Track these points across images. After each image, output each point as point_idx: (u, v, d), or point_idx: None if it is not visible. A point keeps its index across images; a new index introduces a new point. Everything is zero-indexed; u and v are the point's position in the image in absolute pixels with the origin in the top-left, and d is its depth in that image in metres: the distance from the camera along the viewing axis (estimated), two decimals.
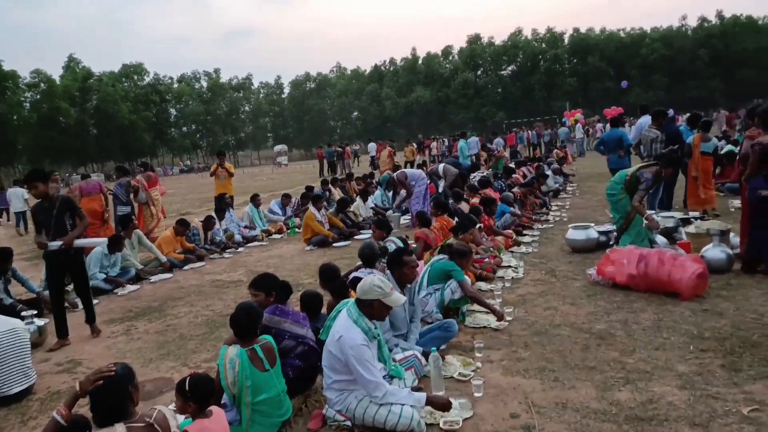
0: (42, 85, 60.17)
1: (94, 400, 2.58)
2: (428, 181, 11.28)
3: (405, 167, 19.05)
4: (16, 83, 56.44)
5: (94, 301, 7.26)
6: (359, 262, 5.63)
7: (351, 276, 5.22)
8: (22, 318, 5.58)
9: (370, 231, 8.37)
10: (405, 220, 11.54)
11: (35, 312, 6.11)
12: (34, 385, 4.56)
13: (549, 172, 14.13)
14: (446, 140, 30.29)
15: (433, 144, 30.19)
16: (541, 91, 68.66)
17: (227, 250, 10.13)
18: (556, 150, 23.18)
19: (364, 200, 12.11)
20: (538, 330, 4.84)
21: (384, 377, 3.54)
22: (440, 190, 13.20)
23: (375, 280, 3.42)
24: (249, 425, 3.25)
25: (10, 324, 4.53)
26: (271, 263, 8.86)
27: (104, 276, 7.89)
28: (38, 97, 60.08)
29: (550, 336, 4.67)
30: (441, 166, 13.49)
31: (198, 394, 3.07)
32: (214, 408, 3.14)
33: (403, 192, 11.61)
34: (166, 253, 9.05)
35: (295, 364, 3.87)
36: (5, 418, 4.13)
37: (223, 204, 11.42)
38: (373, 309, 3.42)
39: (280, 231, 11.75)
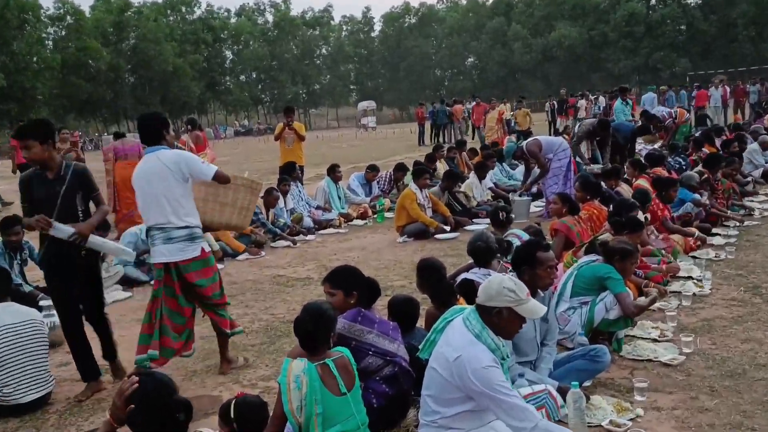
0: (68, 18, 64.74)
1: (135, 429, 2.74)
2: (571, 154, 11.04)
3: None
4: (36, 15, 59.82)
5: (126, 294, 7.83)
6: (470, 260, 5.61)
7: (459, 278, 5.20)
8: (40, 309, 6.05)
9: (487, 220, 8.31)
10: (537, 207, 11.38)
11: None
12: (52, 393, 4.95)
13: (754, 146, 13.38)
14: (601, 98, 29.34)
15: (581, 103, 29.38)
16: (747, 29, 64.60)
17: (294, 237, 10.45)
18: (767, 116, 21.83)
19: (481, 178, 12.04)
20: (731, 370, 4.64)
21: None
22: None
23: (506, 281, 3.37)
24: None
25: (26, 314, 4.94)
26: (351, 257, 9.04)
27: (138, 262, 8.39)
28: (63, 33, 64.82)
29: (750, 380, 4.47)
30: (583, 124, 13.37)
31: (246, 421, 3.19)
32: None
33: (536, 168, 11.45)
34: (218, 238, 9.47)
35: (380, 389, 3.91)
36: (17, 431, 4.53)
37: (292, 174, 11.76)
38: (501, 320, 3.38)
39: (364, 215, 11.98)
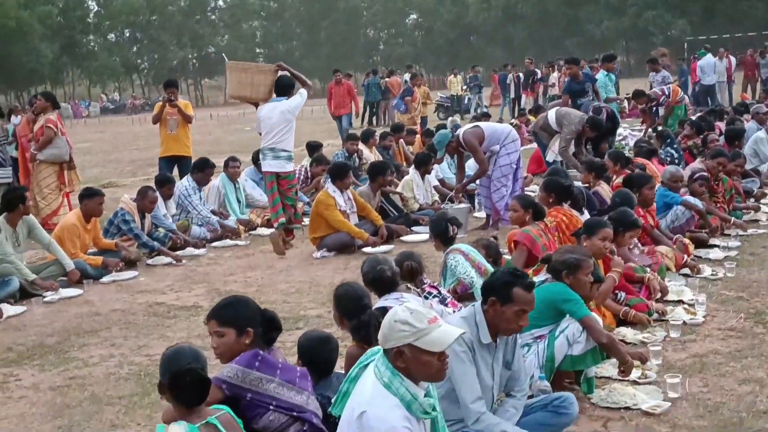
0: None
1: None
2: (519, 148, 11.16)
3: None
4: None
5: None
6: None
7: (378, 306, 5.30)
8: None
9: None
10: (480, 213, 11.47)
11: None
12: None
13: (761, 134, 13.80)
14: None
15: (553, 76, 29.97)
16: None
17: (176, 252, 10.41)
18: None
19: (424, 174, 12.13)
20: (725, 419, 4.81)
21: None
22: (550, 158, 13.11)
23: (397, 313, 3.45)
24: None
25: None
26: (252, 279, 9.04)
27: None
28: None
29: None
30: (551, 111, 13.44)
31: None
32: None
33: (471, 163, 11.50)
34: (72, 253, 9.34)
35: None
36: None
37: (186, 167, 11.87)
38: (407, 362, 3.46)
39: (270, 222, 11.96)
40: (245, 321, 4.11)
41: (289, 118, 10.21)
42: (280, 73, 10.44)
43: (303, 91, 10.32)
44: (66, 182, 12.27)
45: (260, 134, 10.51)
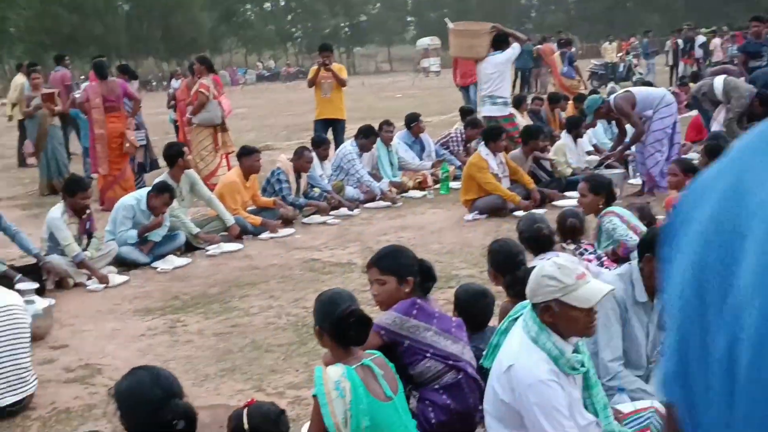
0: None
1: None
2: (677, 112, 10.77)
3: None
4: None
5: (123, 278, 8.12)
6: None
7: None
8: (20, 294, 6.33)
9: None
10: (635, 180, 11.21)
11: (36, 286, 6.94)
12: (33, 396, 5.22)
13: None
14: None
15: (714, 42, 28.75)
16: None
17: (332, 212, 10.66)
18: None
19: (576, 137, 11.97)
20: None
21: None
22: (715, 127, 12.57)
23: (546, 268, 3.43)
24: None
25: (4, 298, 5.21)
26: (404, 239, 9.16)
27: (137, 240, 8.70)
28: None
29: None
30: (718, 80, 12.81)
31: None
32: None
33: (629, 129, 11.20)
34: (232, 210, 9.72)
35: (440, 401, 4.03)
36: None
37: (340, 130, 12.10)
38: (554, 317, 3.44)
39: (422, 185, 12.09)
40: (405, 270, 4.20)
41: (502, 70, 11.95)
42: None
43: (516, 45, 12.09)
44: (219, 144, 12.71)
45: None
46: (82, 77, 27.88)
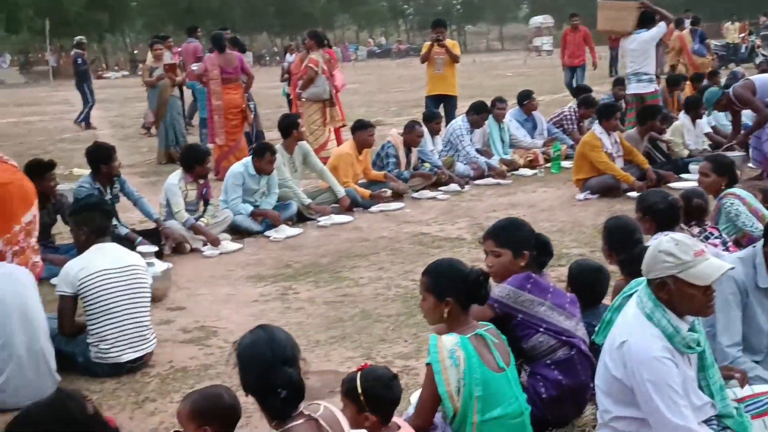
0: None
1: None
2: None
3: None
4: None
5: (236, 246, 8.33)
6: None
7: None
8: (142, 256, 6.57)
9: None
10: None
11: (155, 249, 7.18)
12: (152, 354, 5.43)
13: None
14: None
15: None
16: None
17: (439, 188, 10.68)
18: None
19: (695, 118, 11.67)
20: None
21: (710, 423, 3.50)
22: None
23: (663, 243, 3.36)
24: None
25: (129, 258, 5.43)
26: (514, 215, 9.07)
27: (251, 209, 8.89)
28: None
29: None
30: None
31: (376, 398, 3.38)
32: (399, 421, 3.45)
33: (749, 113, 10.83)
34: (344, 182, 9.83)
35: (551, 376, 4.02)
36: (114, 393, 5.01)
37: (451, 106, 12.13)
38: (670, 295, 3.37)
39: (533, 163, 12.02)
40: (522, 243, 4.17)
41: (646, 48, 11.94)
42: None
43: (662, 24, 11.97)
44: (328, 118, 12.83)
45: None
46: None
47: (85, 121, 21.37)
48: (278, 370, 2.90)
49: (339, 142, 12.59)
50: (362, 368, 3.58)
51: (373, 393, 3.41)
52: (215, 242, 8.18)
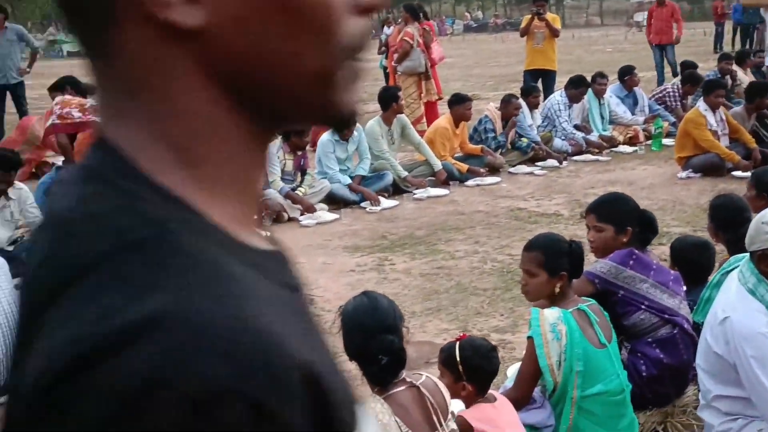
0: None
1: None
2: None
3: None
4: None
5: (333, 216, 8.43)
6: None
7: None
8: None
9: None
10: None
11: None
12: None
13: None
14: None
15: None
16: None
17: (536, 163, 10.61)
18: None
19: None
20: None
21: None
22: None
23: (766, 214, 3.28)
24: None
25: None
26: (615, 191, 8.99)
27: (348, 180, 9.00)
28: None
29: None
30: None
31: (474, 368, 3.39)
32: (496, 393, 3.46)
33: None
34: (441, 155, 9.83)
35: (653, 355, 3.97)
36: None
37: (550, 81, 12.02)
38: None
39: (633, 140, 11.82)
40: (625, 219, 4.12)
41: None
42: None
43: None
44: (423, 92, 12.82)
45: None
46: None
47: None
48: (379, 337, 2.92)
49: (433, 116, 12.55)
50: (461, 338, 3.59)
51: (471, 362, 3.41)
52: (310, 209, 8.30)
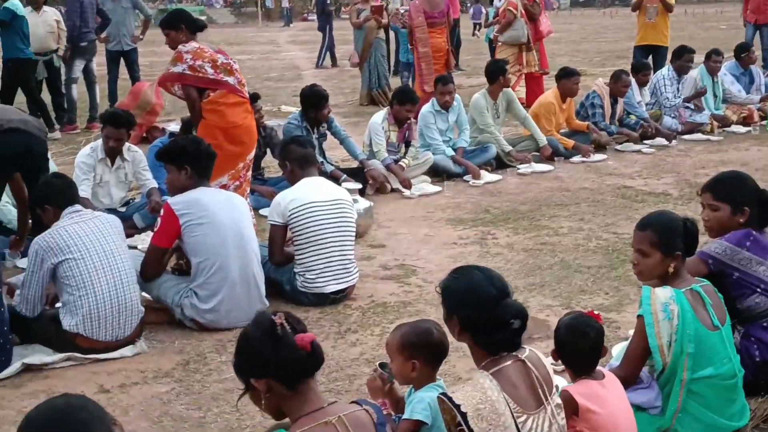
0: None
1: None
2: None
3: None
4: None
5: (436, 188, 8.43)
6: None
7: None
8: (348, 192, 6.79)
9: None
10: None
11: (359, 187, 7.38)
12: (354, 287, 5.61)
13: None
14: None
15: None
16: None
17: (644, 141, 10.42)
18: None
19: None
20: None
21: None
22: None
23: None
24: (677, 418, 3.42)
25: (335, 193, 5.60)
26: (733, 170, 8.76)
27: (452, 152, 8.96)
28: None
29: None
30: None
31: (580, 347, 3.34)
32: (604, 370, 3.39)
33: None
34: (546, 131, 9.71)
35: (766, 338, 3.87)
36: (318, 322, 5.20)
37: (661, 58, 11.96)
38: None
39: (747, 120, 11.52)
40: (742, 199, 3.99)
41: None
42: None
43: None
44: (524, 63, 12.71)
45: None
46: None
47: (321, 60, 22.51)
48: (507, 303, 2.93)
49: (539, 90, 12.36)
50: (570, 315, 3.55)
51: (578, 341, 3.37)
52: (405, 182, 8.32)
